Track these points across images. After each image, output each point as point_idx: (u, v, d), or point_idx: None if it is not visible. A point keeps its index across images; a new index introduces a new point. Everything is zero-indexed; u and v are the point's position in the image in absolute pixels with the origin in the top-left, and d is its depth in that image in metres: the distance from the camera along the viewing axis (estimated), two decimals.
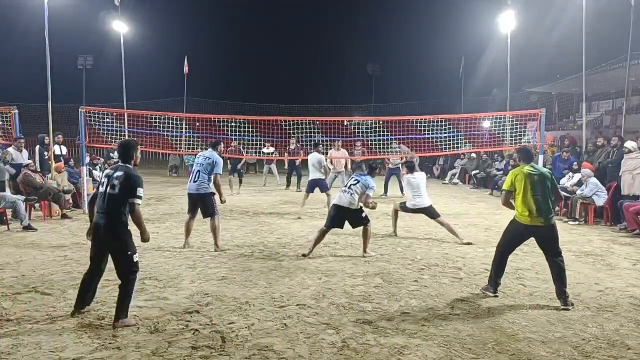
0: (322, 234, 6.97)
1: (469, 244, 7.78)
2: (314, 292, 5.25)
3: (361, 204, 6.88)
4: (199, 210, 7.30)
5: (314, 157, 10.78)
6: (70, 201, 10.88)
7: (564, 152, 12.00)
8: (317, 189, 10.70)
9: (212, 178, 7.19)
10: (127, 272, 4.34)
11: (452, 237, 8.11)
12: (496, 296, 5.13)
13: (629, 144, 9.65)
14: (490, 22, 20.27)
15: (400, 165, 14.59)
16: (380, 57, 54.23)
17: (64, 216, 9.83)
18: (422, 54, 50.65)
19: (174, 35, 47.85)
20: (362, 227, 6.96)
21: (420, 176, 8.38)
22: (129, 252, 4.37)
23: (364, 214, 6.96)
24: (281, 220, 9.95)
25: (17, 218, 8.59)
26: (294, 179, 15.75)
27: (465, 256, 6.95)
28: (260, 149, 15.57)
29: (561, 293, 4.89)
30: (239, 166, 14.86)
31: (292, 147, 15.58)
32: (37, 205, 10.11)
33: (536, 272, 6.09)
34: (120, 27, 19.02)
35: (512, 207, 5.21)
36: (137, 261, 4.42)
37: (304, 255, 6.83)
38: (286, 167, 16.26)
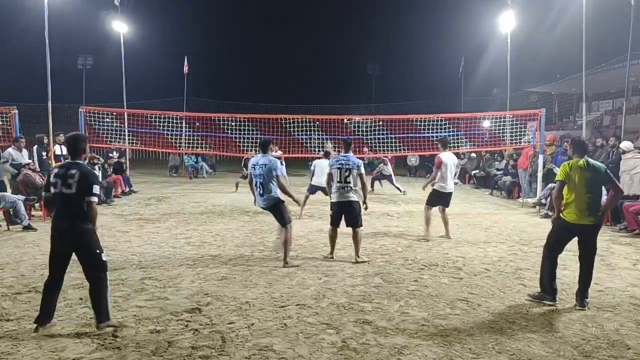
0: (334, 232, 6.84)
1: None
2: (314, 292, 5.25)
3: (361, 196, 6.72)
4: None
5: (324, 163, 10.43)
6: None
7: (566, 144, 11.93)
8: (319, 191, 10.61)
9: (276, 183, 6.39)
10: (96, 273, 4.17)
11: (451, 236, 8.13)
12: (554, 304, 4.85)
13: (625, 145, 9.65)
14: (490, 22, 20.23)
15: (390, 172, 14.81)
16: (380, 57, 54.15)
17: None
18: (422, 54, 50.56)
19: (174, 35, 47.82)
20: (355, 228, 6.65)
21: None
22: (97, 251, 4.19)
23: (361, 213, 6.75)
24: None
25: (17, 218, 8.60)
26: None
27: (465, 256, 6.95)
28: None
29: (582, 292, 4.87)
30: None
31: (327, 149, 15.46)
32: (37, 205, 10.11)
33: (536, 272, 6.06)
34: (120, 27, 19.00)
35: (560, 205, 4.97)
36: (105, 260, 4.25)
37: (329, 257, 6.79)
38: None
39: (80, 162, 4.28)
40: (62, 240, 4.21)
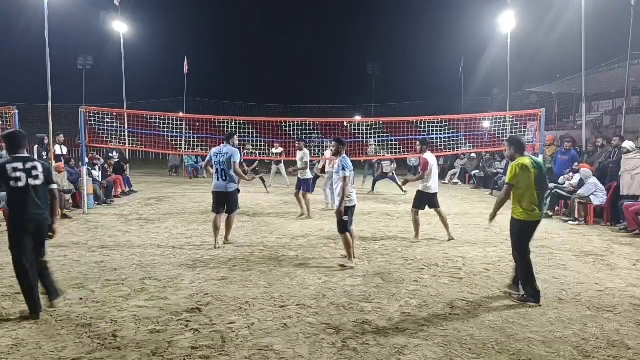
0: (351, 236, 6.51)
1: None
2: (314, 292, 5.25)
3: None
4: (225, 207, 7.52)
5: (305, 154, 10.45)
6: (70, 201, 10.89)
7: (566, 143, 11.94)
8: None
9: (233, 169, 7.32)
10: (43, 257, 4.51)
11: (455, 235, 8.13)
12: (539, 305, 4.85)
13: (627, 144, 9.64)
14: (490, 22, 20.27)
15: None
16: (380, 57, 54.35)
17: (64, 216, 9.83)
18: (422, 54, 50.79)
19: (174, 35, 47.93)
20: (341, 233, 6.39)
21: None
22: (46, 239, 4.52)
23: (345, 217, 6.29)
24: (281, 220, 9.94)
25: None
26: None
27: (465, 256, 6.95)
28: (269, 149, 15.66)
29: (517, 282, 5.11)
30: (255, 167, 15.39)
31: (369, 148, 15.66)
32: None
33: (536, 272, 6.06)
34: (120, 27, 19.02)
35: (501, 207, 5.09)
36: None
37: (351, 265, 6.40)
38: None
39: (28, 154, 4.61)
40: (30, 230, 4.41)
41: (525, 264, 5.00)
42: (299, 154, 10.54)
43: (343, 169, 6.27)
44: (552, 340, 4.06)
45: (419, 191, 8.04)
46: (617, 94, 27.19)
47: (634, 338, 4.13)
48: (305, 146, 10.79)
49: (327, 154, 12.73)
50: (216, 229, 7.39)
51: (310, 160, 10.78)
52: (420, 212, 8.06)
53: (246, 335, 4.07)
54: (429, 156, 8.02)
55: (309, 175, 10.39)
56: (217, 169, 7.36)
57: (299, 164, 10.41)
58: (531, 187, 4.88)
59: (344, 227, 6.33)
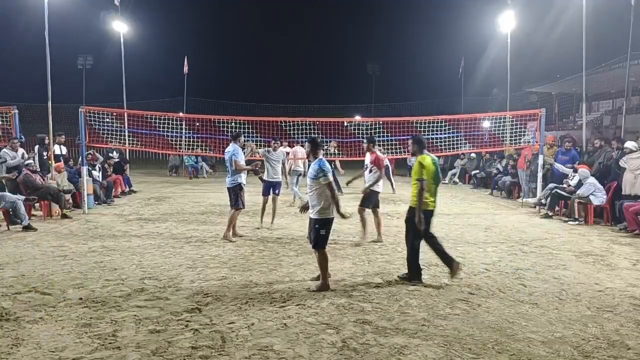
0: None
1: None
2: (314, 292, 5.24)
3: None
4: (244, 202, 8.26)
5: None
6: (70, 201, 10.89)
7: (566, 143, 11.94)
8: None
9: (234, 166, 7.86)
10: None
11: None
12: (424, 284, 5.54)
13: (630, 144, 9.64)
14: (490, 22, 20.29)
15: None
16: (380, 57, 54.44)
17: (64, 216, 9.83)
18: (422, 54, 50.85)
19: (174, 35, 47.98)
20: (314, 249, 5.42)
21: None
22: None
23: (322, 231, 5.30)
24: (281, 220, 9.94)
25: (17, 218, 8.59)
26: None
27: (465, 256, 6.94)
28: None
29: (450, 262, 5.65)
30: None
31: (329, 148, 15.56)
32: (37, 205, 10.12)
33: (536, 272, 6.10)
34: (120, 27, 19.03)
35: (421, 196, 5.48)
36: None
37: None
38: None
39: None
40: None
41: (437, 243, 5.73)
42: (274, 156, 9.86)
43: (324, 173, 5.23)
44: (552, 340, 4.06)
45: (371, 190, 7.85)
46: (617, 94, 27.18)
47: (634, 338, 4.13)
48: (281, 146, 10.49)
49: (299, 152, 12.60)
50: (230, 222, 8.07)
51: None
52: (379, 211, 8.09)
53: (246, 335, 4.07)
54: (382, 155, 8.19)
55: (279, 177, 9.75)
56: (227, 167, 8.06)
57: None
58: (431, 181, 5.57)
59: (323, 241, 5.32)
